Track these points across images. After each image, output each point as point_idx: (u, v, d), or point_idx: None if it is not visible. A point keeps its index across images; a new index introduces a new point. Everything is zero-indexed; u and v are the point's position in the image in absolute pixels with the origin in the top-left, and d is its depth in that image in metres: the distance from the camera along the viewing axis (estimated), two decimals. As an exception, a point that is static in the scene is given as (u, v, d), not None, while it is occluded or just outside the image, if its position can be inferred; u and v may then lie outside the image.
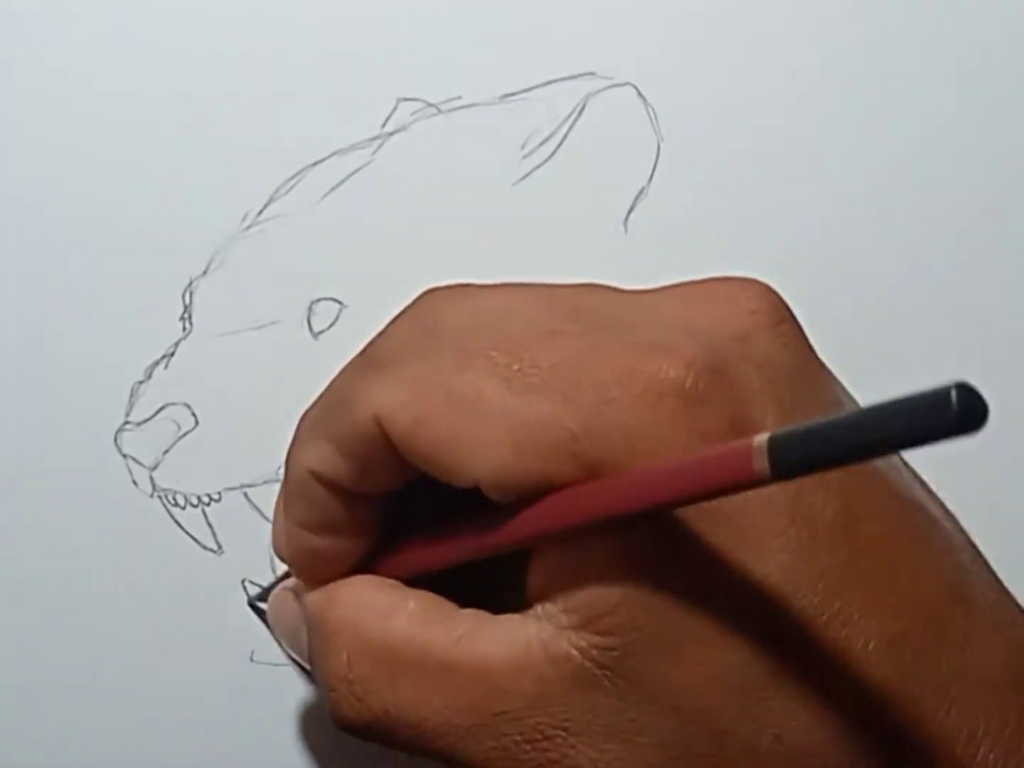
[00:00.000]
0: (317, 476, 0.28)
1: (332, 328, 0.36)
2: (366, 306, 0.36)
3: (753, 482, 0.21)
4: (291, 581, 0.32)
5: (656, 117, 0.36)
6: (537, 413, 0.25)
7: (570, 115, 0.36)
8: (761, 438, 0.21)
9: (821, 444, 0.20)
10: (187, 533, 0.35)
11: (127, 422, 0.35)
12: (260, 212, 0.36)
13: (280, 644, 0.34)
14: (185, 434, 0.35)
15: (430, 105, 0.36)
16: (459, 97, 0.36)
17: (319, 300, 0.36)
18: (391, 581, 0.29)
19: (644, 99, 0.36)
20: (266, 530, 0.36)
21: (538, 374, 0.25)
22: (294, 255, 0.36)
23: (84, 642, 0.35)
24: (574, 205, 0.36)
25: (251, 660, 0.36)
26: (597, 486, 0.25)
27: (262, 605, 0.35)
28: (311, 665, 0.30)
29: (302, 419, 0.30)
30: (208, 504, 0.35)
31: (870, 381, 0.36)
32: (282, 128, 0.36)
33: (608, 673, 0.25)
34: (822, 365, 0.28)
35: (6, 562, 0.35)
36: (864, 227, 0.37)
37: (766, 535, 0.25)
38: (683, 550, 0.25)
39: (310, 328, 0.36)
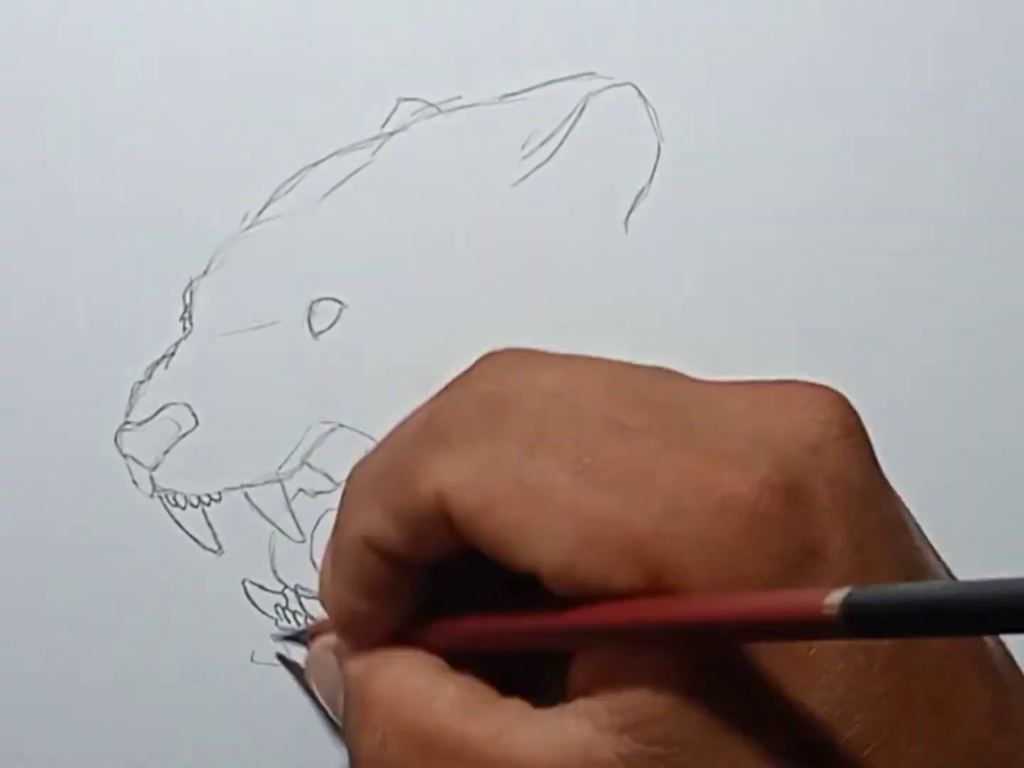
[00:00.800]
0: (369, 542, 0.28)
1: (332, 328, 0.36)
2: (366, 306, 0.36)
3: (825, 634, 0.21)
4: (330, 639, 0.32)
5: (656, 117, 0.36)
6: (606, 512, 0.25)
7: (570, 115, 0.36)
8: (839, 594, 0.21)
9: (898, 615, 0.20)
10: (187, 533, 0.35)
11: (127, 422, 0.35)
12: (260, 212, 0.36)
13: (312, 695, 0.34)
14: (185, 434, 0.35)
15: (430, 105, 0.36)
16: (459, 97, 0.36)
17: (319, 300, 0.36)
18: (436, 660, 0.28)
19: (644, 99, 0.36)
20: (266, 530, 0.36)
21: (608, 472, 0.25)
22: (294, 255, 0.36)
23: (84, 642, 0.35)
24: (574, 205, 0.36)
25: (251, 660, 0.36)
26: (661, 603, 0.24)
27: (289, 648, 0.35)
28: (344, 734, 0.29)
29: (356, 477, 0.30)
30: (208, 504, 0.35)
31: (869, 381, 0.37)
32: (282, 128, 0.36)
33: None
34: (886, 480, 0.28)
35: (6, 562, 0.35)
36: (864, 226, 0.37)
37: (823, 662, 0.24)
38: (737, 670, 0.24)
39: (310, 328, 0.36)
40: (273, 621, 0.36)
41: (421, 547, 0.28)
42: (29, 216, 0.35)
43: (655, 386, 0.28)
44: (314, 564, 0.36)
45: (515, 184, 0.36)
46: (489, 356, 0.29)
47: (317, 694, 0.33)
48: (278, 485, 0.36)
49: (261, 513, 0.36)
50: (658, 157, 0.36)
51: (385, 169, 0.36)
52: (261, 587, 0.36)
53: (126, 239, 0.35)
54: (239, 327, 0.36)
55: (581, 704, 0.26)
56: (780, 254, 0.36)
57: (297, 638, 0.35)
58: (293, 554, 0.36)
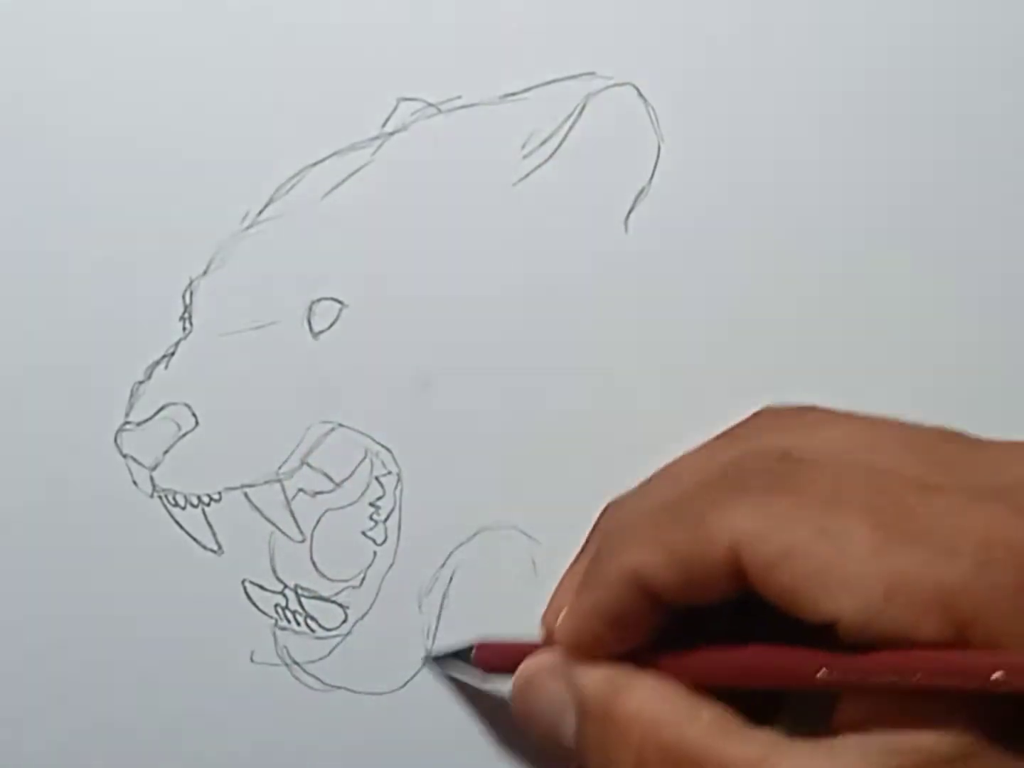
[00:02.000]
0: (638, 578, 0.28)
1: (332, 328, 0.36)
2: (366, 306, 0.36)
3: None
4: (545, 659, 0.31)
5: (656, 117, 0.36)
6: (912, 564, 0.25)
7: (570, 115, 0.36)
8: None
9: None
10: (187, 533, 0.35)
11: (127, 422, 0.35)
12: (260, 212, 0.36)
13: (525, 722, 0.32)
14: (185, 434, 0.35)
15: (430, 105, 0.36)
16: (459, 97, 0.36)
17: (319, 300, 0.36)
18: (681, 687, 0.28)
19: (644, 99, 0.36)
20: (266, 530, 0.36)
21: (912, 525, 0.26)
22: (294, 255, 0.36)
23: (84, 642, 0.35)
24: (574, 205, 0.36)
25: (251, 660, 0.36)
26: (967, 657, 0.24)
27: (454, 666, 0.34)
28: (581, 752, 0.29)
29: (623, 511, 0.30)
30: (208, 504, 0.35)
31: (869, 380, 0.37)
32: (282, 128, 0.36)
33: None
34: None
35: (6, 562, 0.35)
36: (865, 226, 0.37)
37: None
38: None
39: (310, 328, 0.36)
40: (273, 621, 0.36)
41: (695, 591, 0.28)
42: (29, 216, 0.35)
43: (945, 444, 0.28)
44: (314, 564, 0.36)
45: (515, 184, 0.36)
46: (768, 411, 0.30)
47: (530, 715, 0.31)
48: (278, 485, 0.36)
49: (261, 513, 0.36)
50: (658, 157, 0.36)
51: (385, 169, 0.36)
52: (261, 587, 0.36)
53: (126, 239, 0.35)
54: (239, 327, 0.36)
55: (852, 740, 0.26)
56: (780, 254, 0.36)
57: (458, 655, 0.34)
58: (293, 554, 0.36)
